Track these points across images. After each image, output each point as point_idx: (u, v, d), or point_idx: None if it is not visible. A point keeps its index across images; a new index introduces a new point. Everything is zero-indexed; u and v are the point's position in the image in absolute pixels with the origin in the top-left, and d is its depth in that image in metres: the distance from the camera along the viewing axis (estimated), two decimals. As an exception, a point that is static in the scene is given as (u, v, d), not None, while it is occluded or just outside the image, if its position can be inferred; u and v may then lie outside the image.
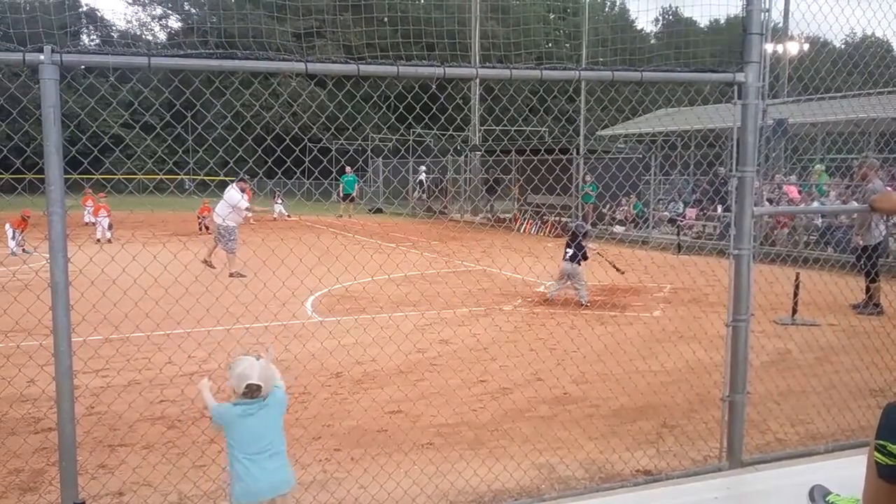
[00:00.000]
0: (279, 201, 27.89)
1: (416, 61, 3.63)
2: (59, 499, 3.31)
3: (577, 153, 22.48)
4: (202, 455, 4.60)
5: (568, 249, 10.57)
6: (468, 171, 29.94)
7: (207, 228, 13.84)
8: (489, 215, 27.05)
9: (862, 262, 9.74)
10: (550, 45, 35.93)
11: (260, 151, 5.89)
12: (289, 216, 26.45)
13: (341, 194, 29.23)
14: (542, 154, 21.02)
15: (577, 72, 4.18)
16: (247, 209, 14.08)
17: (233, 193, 13.69)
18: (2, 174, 4.11)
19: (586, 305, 10.29)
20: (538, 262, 12.78)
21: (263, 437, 3.15)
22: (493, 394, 6.23)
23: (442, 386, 6.37)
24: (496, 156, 26.67)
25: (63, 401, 3.24)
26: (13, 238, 15.81)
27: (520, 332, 8.53)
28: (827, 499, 3.45)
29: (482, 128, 31.13)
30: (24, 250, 15.69)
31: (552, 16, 44.91)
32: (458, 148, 31.54)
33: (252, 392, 3.14)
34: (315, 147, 7.48)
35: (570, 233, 10.97)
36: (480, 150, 29.46)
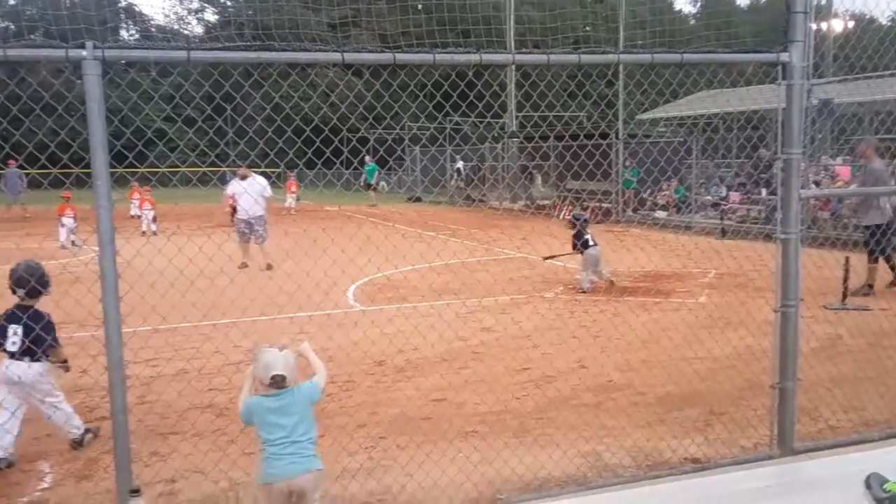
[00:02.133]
0: (293, 192, 27.28)
1: (452, 49, 3.61)
2: (114, 486, 3.38)
3: (617, 138, 22.18)
4: (251, 443, 4.68)
5: (586, 237, 10.37)
6: (506, 158, 29.79)
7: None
8: (528, 202, 26.87)
9: (872, 241, 9.55)
10: (588, 28, 35.40)
11: (300, 142, 5.94)
12: (295, 210, 25.92)
13: (363, 183, 29.25)
14: (582, 140, 20.81)
15: (616, 55, 4.12)
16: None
17: (265, 182, 13.33)
18: (49, 169, 4.21)
19: (585, 292, 10.19)
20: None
21: (285, 426, 3.24)
22: (537, 381, 6.21)
23: (485, 374, 6.38)
24: (534, 142, 26.46)
25: (115, 390, 3.31)
26: (67, 231, 16.16)
27: (562, 319, 8.47)
28: (884, 486, 3.36)
29: (519, 114, 30.88)
30: (73, 243, 16.05)
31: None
32: (496, 135, 31.37)
33: (277, 382, 3.24)
34: (354, 137, 7.51)
35: (576, 223, 10.65)
36: (518, 137, 29.28)
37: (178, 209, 21.09)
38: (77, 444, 4.88)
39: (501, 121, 31.78)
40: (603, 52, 4.06)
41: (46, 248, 14.55)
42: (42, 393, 4.75)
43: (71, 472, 4.52)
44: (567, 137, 23.25)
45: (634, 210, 21.56)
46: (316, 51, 3.49)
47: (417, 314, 8.45)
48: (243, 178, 12.97)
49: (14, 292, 4.76)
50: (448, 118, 32.81)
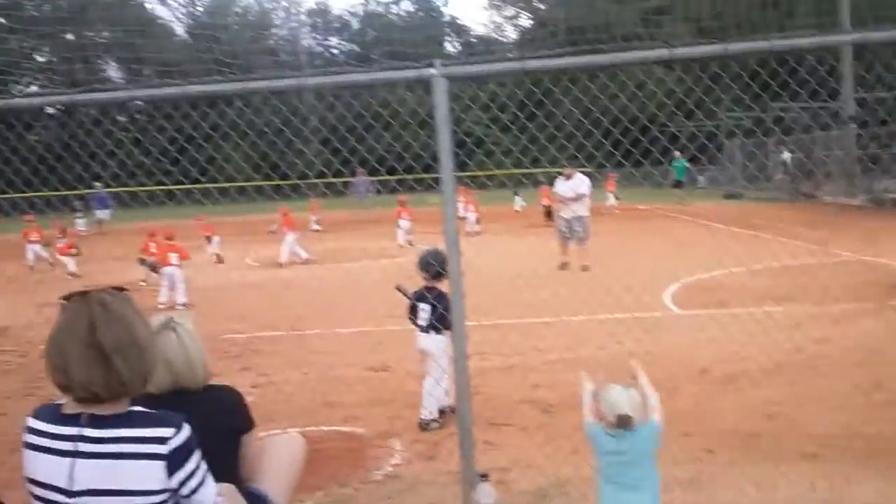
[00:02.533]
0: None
1: (790, 32, 3.32)
2: (458, 468, 3.69)
3: None
4: (580, 441, 4.82)
5: None
6: (841, 147, 26.58)
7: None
8: (870, 197, 23.68)
9: None
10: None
11: (608, 144, 5.92)
12: (618, 209, 25.56)
13: (673, 180, 27.88)
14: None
15: None
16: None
17: (587, 180, 13.06)
18: (389, 177, 4.70)
19: None
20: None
21: (629, 472, 3.07)
22: (889, 404, 5.48)
23: (824, 390, 5.80)
24: (875, 128, 23.30)
25: (460, 380, 3.62)
26: (404, 232, 17.88)
27: (918, 332, 7.38)
28: None
29: (856, 96, 27.33)
30: (409, 243, 17.46)
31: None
32: (827, 122, 28.13)
33: (622, 422, 3.04)
34: (664, 133, 7.31)
35: None
36: (855, 124, 25.94)
37: (494, 210, 22.29)
38: (424, 425, 5.41)
39: (835, 104, 28.40)
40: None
41: (386, 248, 16.38)
42: (436, 364, 5.40)
43: (418, 452, 5.00)
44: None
45: None
46: (645, 49, 3.43)
47: (738, 321, 7.96)
48: (569, 177, 12.91)
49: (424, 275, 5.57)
50: (769, 107, 30.26)
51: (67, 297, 1.97)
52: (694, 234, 13.80)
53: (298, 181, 21.25)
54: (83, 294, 1.96)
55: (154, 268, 11.92)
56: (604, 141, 5.48)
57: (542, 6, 57.59)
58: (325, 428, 5.49)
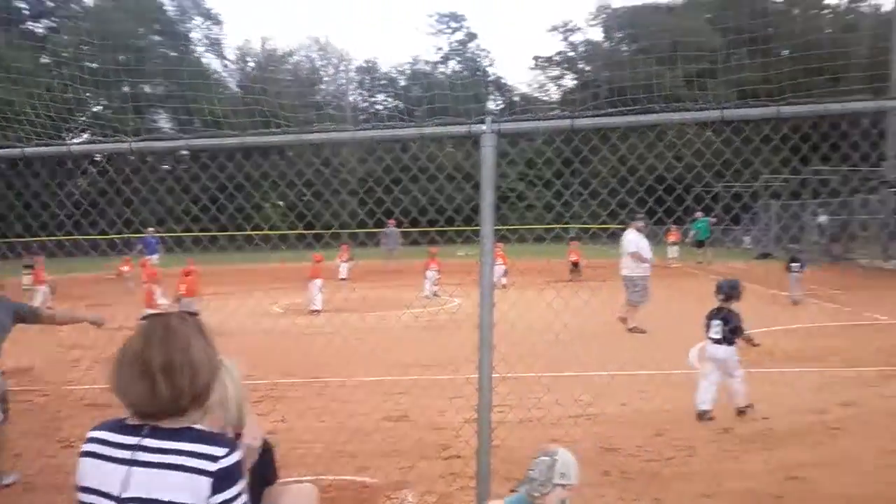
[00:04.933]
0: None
1: (842, 98, 3.36)
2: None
3: None
4: (593, 496, 4.79)
5: None
6: (883, 210, 26.17)
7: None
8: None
9: None
10: None
11: (651, 201, 5.98)
12: (675, 265, 25.46)
13: (692, 240, 27.45)
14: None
15: None
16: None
17: (631, 237, 12.17)
18: (429, 228, 4.81)
19: None
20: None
21: None
22: (916, 468, 5.36)
23: (848, 453, 5.70)
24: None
25: (483, 432, 3.62)
26: (430, 282, 18.05)
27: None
28: None
29: (898, 162, 26.99)
30: (435, 294, 17.77)
31: None
32: (871, 186, 27.75)
33: None
34: (707, 193, 7.42)
35: None
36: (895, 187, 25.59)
37: (525, 263, 22.26)
38: (741, 411, 6.73)
39: (879, 170, 28.03)
40: None
41: (409, 298, 16.44)
42: (731, 368, 6.85)
43: (430, 503, 4.94)
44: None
45: None
46: (695, 110, 3.52)
47: (767, 381, 7.85)
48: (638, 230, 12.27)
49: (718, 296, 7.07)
50: (811, 168, 29.97)
51: (145, 317, 2.09)
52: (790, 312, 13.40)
53: (339, 230, 21.56)
54: (156, 315, 2.09)
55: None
56: (647, 198, 5.54)
57: (586, 67, 58.35)
58: (339, 477, 5.49)
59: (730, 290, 7.00)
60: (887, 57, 25.75)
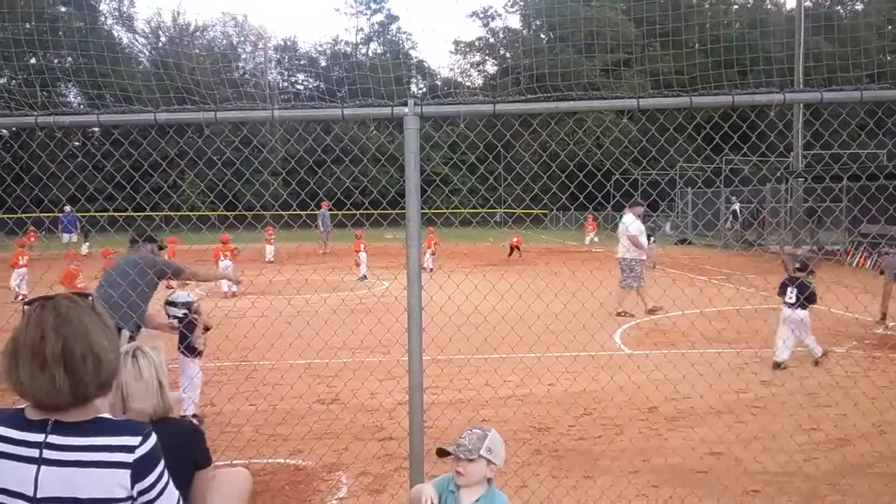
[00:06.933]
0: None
1: (752, 89, 3.49)
2: (405, 501, 3.67)
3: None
4: (528, 475, 4.82)
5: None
6: (790, 199, 27.47)
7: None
8: (815, 248, 24.45)
9: None
10: (890, 57, 31.72)
11: (573, 187, 6.07)
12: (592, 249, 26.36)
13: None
14: (882, 180, 18.49)
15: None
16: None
17: (629, 221, 12.38)
18: (354, 210, 4.75)
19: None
20: (875, 300, 11.31)
21: None
22: (827, 444, 5.63)
23: (766, 430, 5.93)
24: (825, 183, 24.14)
25: (414, 413, 3.61)
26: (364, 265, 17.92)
27: (853, 378, 7.56)
28: None
29: (808, 153, 28.38)
30: (365, 277, 17.67)
31: (890, 28, 39.89)
32: (780, 176, 29.11)
33: None
34: (626, 179, 7.53)
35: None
36: (806, 178, 26.88)
37: (456, 248, 22.34)
38: (817, 362, 8.21)
39: (786, 160, 29.44)
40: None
41: (346, 281, 16.27)
42: (802, 331, 8.26)
43: (365, 485, 4.90)
44: (864, 178, 20.86)
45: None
46: (611, 98, 3.59)
47: (687, 362, 8.10)
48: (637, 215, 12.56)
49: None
50: (724, 158, 31.19)
51: (29, 303, 1.92)
52: (649, 278, 13.96)
53: (263, 212, 21.09)
54: (43, 300, 1.91)
55: None
56: (569, 183, 5.60)
57: (507, 54, 58.86)
58: (272, 460, 5.39)
59: (805, 262, 8.46)
60: (792, 52, 26.91)
